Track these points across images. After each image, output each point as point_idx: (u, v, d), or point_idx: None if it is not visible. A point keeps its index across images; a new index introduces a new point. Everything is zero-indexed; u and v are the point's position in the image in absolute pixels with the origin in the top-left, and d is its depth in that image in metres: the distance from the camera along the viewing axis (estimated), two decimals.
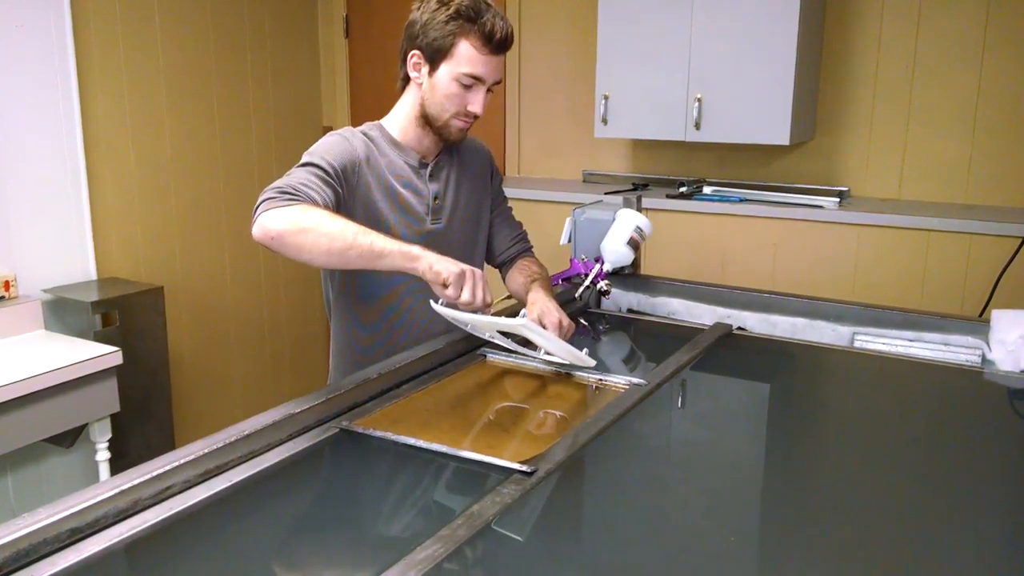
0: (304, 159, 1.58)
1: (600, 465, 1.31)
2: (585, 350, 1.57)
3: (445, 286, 1.40)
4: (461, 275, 1.41)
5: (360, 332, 1.75)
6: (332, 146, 1.61)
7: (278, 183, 1.49)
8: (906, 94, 3.07)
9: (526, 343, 1.64)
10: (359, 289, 1.71)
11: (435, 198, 1.72)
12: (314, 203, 1.47)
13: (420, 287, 1.56)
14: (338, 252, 1.41)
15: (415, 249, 1.43)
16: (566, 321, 1.64)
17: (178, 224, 3.39)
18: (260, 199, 1.47)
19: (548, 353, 1.60)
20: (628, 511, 1.20)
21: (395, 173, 1.67)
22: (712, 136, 3.09)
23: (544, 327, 1.58)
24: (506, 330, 1.55)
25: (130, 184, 3.19)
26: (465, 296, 1.41)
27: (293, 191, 1.47)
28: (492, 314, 1.48)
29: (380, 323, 1.74)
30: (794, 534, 1.14)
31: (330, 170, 1.55)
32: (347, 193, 1.59)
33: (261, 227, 1.43)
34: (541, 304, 1.66)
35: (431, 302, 1.46)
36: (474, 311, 1.43)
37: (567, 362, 1.59)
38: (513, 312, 1.80)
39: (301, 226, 1.41)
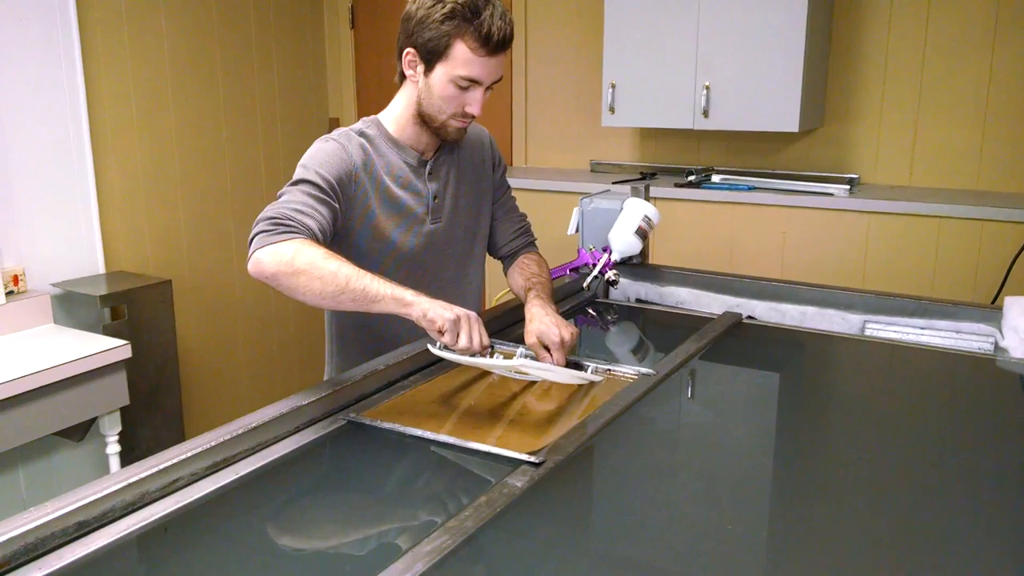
0: (298, 174, 1.54)
1: (608, 455, 1.30)
2: (590, 367, 1.54)
3: (441, 332, 1.38)
4: (456, 321, 1.38)
5: (363, 328, 1.73)
6: (327, 156, 1.56)
7: (272, 211, 1.46)
8: (916, 80, 3.04)
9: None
10: None
11: (435, 197, 1.68)
12: (310, 232, 1.44)
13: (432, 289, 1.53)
14: (331, 296, 1.39)
15: (408, 295, 1.40)
16: (567, 335, 1.57)
17: (185, 217, 3.40)
18: (254, 230, 1.44)
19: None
20: (636, 501, 1.19)
21: (393, 175, 1.64)
22: (720, 124, 3.07)
23: (545, 347, 1.56)
24: (504, 374, 1.52)
25: (137, 178, 3.20)
26: (462, 342, 1.38)
27: (288, 222, 1.44)
28: (491, 338, 1.46)
29: (386, 320, 1.72)
30: (805, 523, 1.14)
31: (325, 185, 1.52)
32: (344, 205, 1.56)
33: (257, 264, 1.41)
34: (539, 322, 1.59)
35: (428, 345, 1.44)
36: (472, 355, 1.40)
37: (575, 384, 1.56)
38: (511, 309, 1.78)
39: (295, 267, 1.39)
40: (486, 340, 1.42)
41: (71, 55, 2.88)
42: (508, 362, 1.41)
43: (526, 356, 1.54)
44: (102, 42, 3.02)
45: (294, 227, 1.44)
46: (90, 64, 2.97)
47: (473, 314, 1.42)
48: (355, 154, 1.59)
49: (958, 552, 1.06)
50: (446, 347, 1.40)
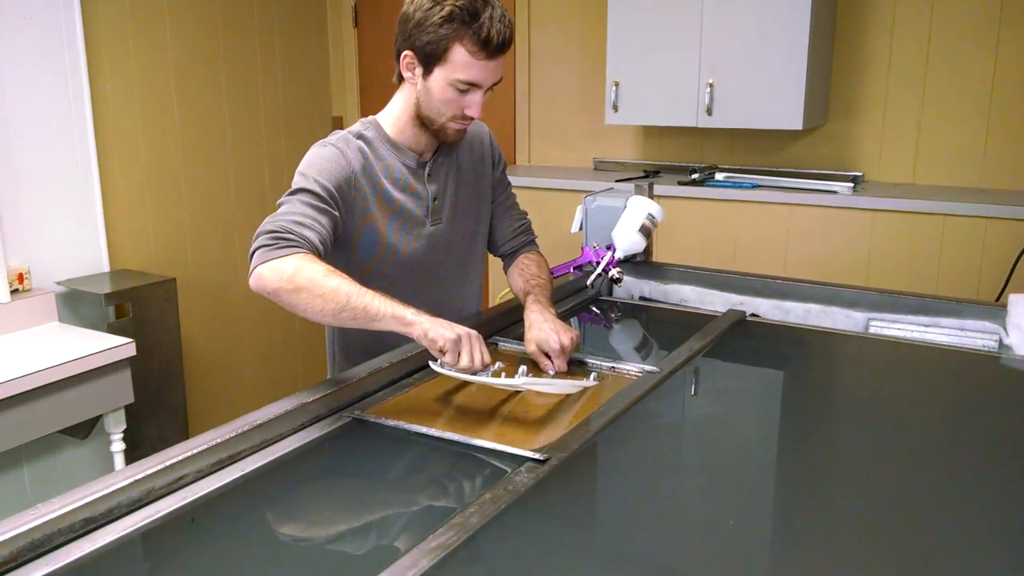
0: (297, 182, 1.53)
1: (613, 453, 1.30)
2: (593, 374, 1.54)
3: (442, 352, 1.38)
4: (457, 341, 1.38)
5: (364, 332, 1.73)
6: (326, 163, 1.55)
7: (272, 224, 1.45)
8: (920, 78, 3.04)
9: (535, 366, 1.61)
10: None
11: (434, 199, 1.67)
12: (311, 245, 1.44)
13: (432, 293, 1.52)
14: (331, 313, 1.39)
15: (408, 313, 1.39)
16: (567, 340, 1.56)
17: (189, 216, 3.40)
18: (255, 244, 1.44)
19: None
20: (641, 499, 1.20)
21: (392, 177, 1.63)
22: (724, 122, 3.07)
23: (546, 355, 1.56)
24: (507, 389, 1.52)
25: (141, 176, 3.20)
26: (464, 361, 1.38)
27: (289, 235, 1.43)
28: (494, 335, 1.45)
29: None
30: (809, 520, 1.14)
31: (324, 194, 1.51)
32: (344, 211, 1.56)
33: (258, 280, 1.42)
34: (537, 330, 1.59)
35: (429, 363, 1.44)
36: (474, 373, 1.40)
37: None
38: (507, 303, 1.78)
39: (296, 284, 1.39)
40: (487, 358, 1.41)
41: (76, 54, 2.89)
42: (510, 381, 1.41)
43: (528, 373, 1.54)
44: (106, 41, 3.02)
45: (295, 241, 1.43)
46: (94, 63, 2.97)
47: (474, 332, 1.41)
48: (354, 159, 1.58)
49: (961, 549, 1.06)
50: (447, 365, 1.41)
